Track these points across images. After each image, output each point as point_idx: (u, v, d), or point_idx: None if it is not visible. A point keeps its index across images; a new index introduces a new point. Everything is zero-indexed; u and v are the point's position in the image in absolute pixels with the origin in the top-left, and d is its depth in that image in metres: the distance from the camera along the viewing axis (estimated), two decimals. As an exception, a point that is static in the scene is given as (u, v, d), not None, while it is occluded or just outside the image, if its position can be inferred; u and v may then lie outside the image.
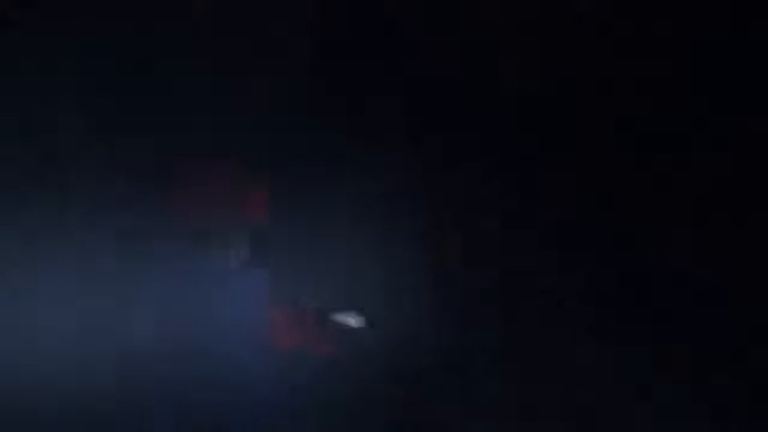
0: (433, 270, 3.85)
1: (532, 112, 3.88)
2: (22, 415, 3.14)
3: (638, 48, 3.75)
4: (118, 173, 3.58)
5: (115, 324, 3.22)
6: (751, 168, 3.62)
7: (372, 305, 2.72)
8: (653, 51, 3.74)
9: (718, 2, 3.61)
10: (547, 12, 3.82)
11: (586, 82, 3.81)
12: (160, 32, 3.72)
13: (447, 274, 3.87)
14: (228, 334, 2.58)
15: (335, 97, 3.96)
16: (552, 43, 3.83)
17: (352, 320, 2.68)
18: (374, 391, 3.55)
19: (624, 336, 3.63)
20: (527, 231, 3.85)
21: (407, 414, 3.49)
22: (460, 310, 3.80)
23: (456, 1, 3.88)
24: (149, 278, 3.14)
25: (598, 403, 3.41)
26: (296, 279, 2.57)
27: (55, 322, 3.24)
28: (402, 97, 3.95)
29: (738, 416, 3.29)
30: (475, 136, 3.90)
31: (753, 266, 3.59)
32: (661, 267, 3.75)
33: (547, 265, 3.81)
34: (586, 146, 3.83)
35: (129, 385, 3.16)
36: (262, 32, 3.87)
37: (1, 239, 3.36)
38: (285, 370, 2.58)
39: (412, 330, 2.86)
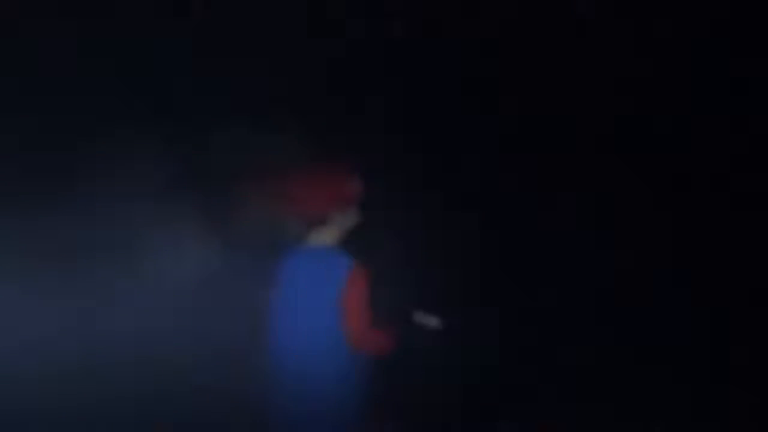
0: (431, 269, 3.85)
1: (532, 111, 3.89)
2: (35, 414, 3.12)
3: (638, 48, 3.76)
4: (118, 173, 3.59)
5: (137, 323, 3.21)
6: (751, 168, 3.62)
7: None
8: (653, 51, 3.74)
9: (718, 2, 3.61)
10: (547, 12, 3.82)
11: (586, 82, 3.82)
12: (160, 32, 3.72)
13: (446, 274, 3.87)
14: (299, 332, 2.48)
15: (335, 97, 3.96)
16: (552, 43, 3.83)
17: (431, 320, 2.65)
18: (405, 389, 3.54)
19: (623, 336, 3.64)
20: (527, 230, 3.86)
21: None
22: (458, 309, 3.80)
23: (456, 1, 3.88)
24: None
25: (598, 402, 3.42)
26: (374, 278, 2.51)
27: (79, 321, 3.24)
28: (402, 97, 3.95)
29: (738, 416, 3.30)
30: (475, 137, 3.91)
31: (753, 266, 3.60)
32: (661, 267, 3.75)
33: (546, 265, 3.81)
34: (586, 146, 3.84)
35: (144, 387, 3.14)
36: (262, 32, 3.87)
37: (1, 239, 3.36)
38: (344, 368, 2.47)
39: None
